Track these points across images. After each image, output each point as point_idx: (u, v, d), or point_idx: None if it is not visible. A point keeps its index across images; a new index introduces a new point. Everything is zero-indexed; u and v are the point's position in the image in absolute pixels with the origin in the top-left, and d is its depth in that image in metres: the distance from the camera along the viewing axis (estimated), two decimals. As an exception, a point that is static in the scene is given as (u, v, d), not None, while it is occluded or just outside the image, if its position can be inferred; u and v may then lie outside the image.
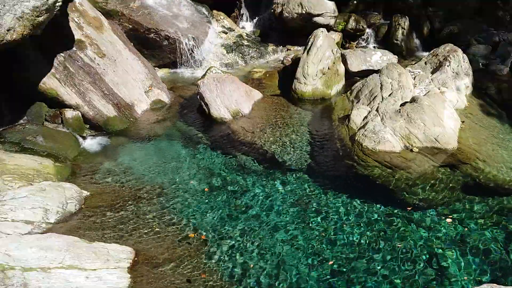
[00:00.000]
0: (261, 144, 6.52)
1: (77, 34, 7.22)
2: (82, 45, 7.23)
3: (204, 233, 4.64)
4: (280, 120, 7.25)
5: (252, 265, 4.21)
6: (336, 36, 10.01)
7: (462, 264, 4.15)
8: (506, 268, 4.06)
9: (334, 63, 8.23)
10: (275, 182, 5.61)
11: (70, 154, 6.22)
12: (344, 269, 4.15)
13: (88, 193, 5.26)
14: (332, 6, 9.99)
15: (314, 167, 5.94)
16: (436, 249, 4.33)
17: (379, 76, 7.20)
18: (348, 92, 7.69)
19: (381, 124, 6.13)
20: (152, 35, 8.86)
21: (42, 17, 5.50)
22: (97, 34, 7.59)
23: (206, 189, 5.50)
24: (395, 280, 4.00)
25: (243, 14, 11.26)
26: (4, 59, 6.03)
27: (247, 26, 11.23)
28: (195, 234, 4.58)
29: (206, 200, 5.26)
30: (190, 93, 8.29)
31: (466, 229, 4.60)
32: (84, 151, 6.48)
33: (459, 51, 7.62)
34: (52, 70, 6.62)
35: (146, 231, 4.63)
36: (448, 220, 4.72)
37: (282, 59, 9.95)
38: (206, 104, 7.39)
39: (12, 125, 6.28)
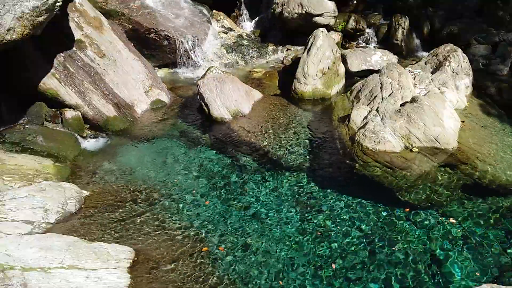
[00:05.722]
0: (261, 144, 6.51)
1: (77, 34, 7.23)
2: (82, 45, 7.23)
3: (207, 234, 4.65)
4: (280, 120, 7.24)
5: (251, 265, 4.22)
6: (336, 36, 10.01)
7: (462, 264, 4.15)
8: (507, 268, 4.06)
9: (334, 63, 8.23)
10: (275, 182, 5.61)
11: (70, 154, 6.23)
12: (344, 270, 4.15)
13: (88, 193, 5.26)
14: (332, 6, 9.98)
15: (314, 167, 5.94)
16: (436, 249, 4.33)
17: (379, 76, 7.19)
18: (348, 92, 7.69)
19: (381, 124, 6.13)
20: (152, 35, 8.87)
21: (42, 17, 5.50)
22: (97, 34, 7.59)
23: (205, 189, 5.50)
24: (395, 280, 4.00)
25: (243, 14, 11.25)
26: (4, 59, 6.03)
27: (247, 26, 11.22)
28: (208, 248, 4.51)
29: (206, 200, 5.26)
30: (190, 93, 8.29)
31: (466, 229, 4.60)
32: (84, 151, 6.48)
33: (459, 51, 7.62)
34: (52, 70, 6.62)
35: (146, 231, 4.62)
36: (451, 220, 4.71)
37: (282, 59, 9.95)
38: (206, 104, 7.39)
39: (12, 125, 6.28)
